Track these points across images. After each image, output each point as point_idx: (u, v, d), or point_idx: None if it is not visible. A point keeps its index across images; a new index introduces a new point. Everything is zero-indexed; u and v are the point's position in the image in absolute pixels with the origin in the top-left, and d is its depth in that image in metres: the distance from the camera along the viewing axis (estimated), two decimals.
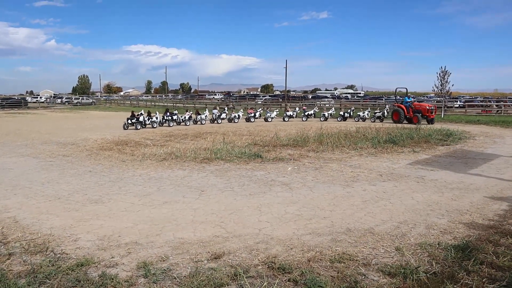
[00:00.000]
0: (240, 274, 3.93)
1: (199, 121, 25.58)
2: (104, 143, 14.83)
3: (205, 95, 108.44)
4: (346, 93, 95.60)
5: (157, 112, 25.47)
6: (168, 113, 25.04)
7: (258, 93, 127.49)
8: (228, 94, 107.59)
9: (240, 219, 5.81)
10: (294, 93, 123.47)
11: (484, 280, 3.83)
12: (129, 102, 69.52)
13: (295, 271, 4.02)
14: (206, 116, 26.56)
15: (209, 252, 4.56)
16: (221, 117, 27.30)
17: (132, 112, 23.57)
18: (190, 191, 7.53)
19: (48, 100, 76.74)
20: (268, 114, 28.43)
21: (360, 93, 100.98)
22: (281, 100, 61.86)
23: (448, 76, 47.22)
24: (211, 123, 26.12)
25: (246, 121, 27.24)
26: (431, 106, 25.43)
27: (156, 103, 64.95)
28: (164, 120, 24.43)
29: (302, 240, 4.94)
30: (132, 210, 6.30)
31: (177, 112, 26.14)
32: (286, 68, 69.11)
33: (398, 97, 29.85)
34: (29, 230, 5.37)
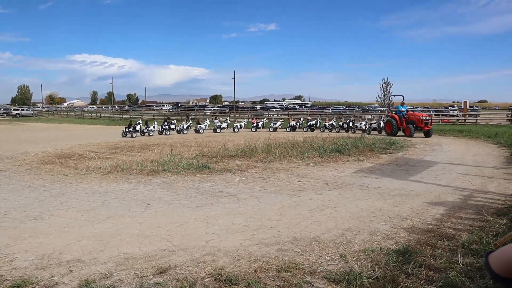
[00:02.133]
0: None
1: (198, 130, 27.10)
2: (46, 156, 14.23)
3: (153, 106, 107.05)
4: (294, 104, 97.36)
5: (155, 122, 28.26)
6: (166, 123, 26.95)
7: (207, 103, 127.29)
8: (176, 104, 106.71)
9: (186, 232, 5.75)
10: (243, 103, 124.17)
11: (422, 282, 4.01)
12: (73, 114, 67.25)
13: (242, 282, 4.03)
14: (206, 125, 28.27)
15: (154, 266, 4.48)
16: (222, 126, 28.48)
17: (130, 121, 26.51)
18: (136, 204, 7.37)
19: None
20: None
21: (307, 104, 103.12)
22: (228, 111, 62.00)
23: (391, 87, 49.14)
24: (214, 132, 27.54)
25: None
26: (425, 116, 22.84)
27: (102, 114, 63.20)
28: (162, 129, 26.17)
29: (249, 251, 4.96)
30: (74, 226, 6.07)
31: (175, 122, 28.35)
32: (234, 79, 69.44)
33: (393, 107, 27.03)
34: None
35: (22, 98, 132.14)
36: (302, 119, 30.96)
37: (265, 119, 32.86)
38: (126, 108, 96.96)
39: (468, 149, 16.39)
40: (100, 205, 7.35)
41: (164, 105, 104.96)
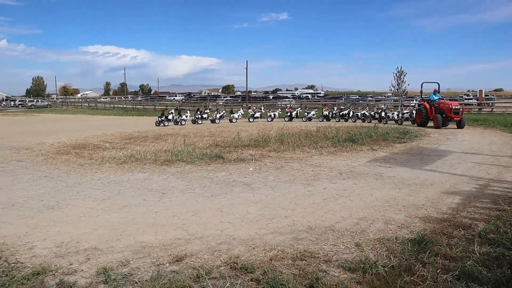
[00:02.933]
0: (202, 276, 3.92)
1: (232, 119, 27.87)
2: (61, 147, 14.41)
3: (166, 96, 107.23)
4: (306, 93, 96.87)
5: (188, 111, 29.34)
6: (199, 112, 28.04)
7: (219, 94, 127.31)
8: (189, 95, 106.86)
9: (202, 221, 5.78)
10: (255, 93, 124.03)
11: (438, 271, 3.98)
12: (87, 104, 67.83)
13: (258, 271, 4.05)
14: (239, 115, 28.99)
15: (170, 255, 4.52)
16: (255, 116, 29.01)
17: (163, 111, 28.44)
18: (150, 194, 7.43)
19: (5, 103, 73.74)
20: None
21: (320, 93, 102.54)
22: (240, 101, 61.97)
23: (404, 76, 48.59)
24: (249, 121, 27.89)
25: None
26: (456, 105, 20.75)
27: (115, 105, 63.65)
28: (195, 118, 27.22)
29: (264, 240, 4.98)
30: (91, 215, 6.15)
31: (208, 111, 29.78)
32: (246, 68, 69.14)
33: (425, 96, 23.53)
34: None
35: (37, 90, 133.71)
36: (335, 108, 29.83)
37: (299, 108, 31.64)
38: (139, 98, 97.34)
39: (484, 138, 16.19)
40: (116, 194, 7.43)
41: (176, 96, 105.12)
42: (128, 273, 4.05)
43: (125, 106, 61.63)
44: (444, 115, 20.38)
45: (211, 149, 12.52)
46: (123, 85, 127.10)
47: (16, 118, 38.68)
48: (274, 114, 29.01)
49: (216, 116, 27.95)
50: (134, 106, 58.28)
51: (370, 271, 3.97)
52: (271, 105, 44.92)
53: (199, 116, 27.56)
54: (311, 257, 4.39)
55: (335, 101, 51.39)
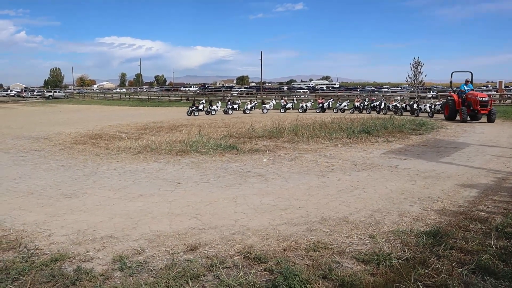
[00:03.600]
0: (216, 265, 3.95)
1: (265, 109, 28.16)
2: (78, 137, 14.59)
3: (180, 87, 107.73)
4: (321, 84, 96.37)
5: (218, 101, 29.68)
6: (229, 103, 28.56)
7: (233, 85, 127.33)
8: (203, 86, 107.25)
9: (216, 211, 5.82)
10: (269, 84, 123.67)
11: (453, 264, 3.95)
12: (103, 95, 68.41)
13: (271, 261, 4.06)
14: (271, 106, 29.22)
15: (185, 244, 4.57)
16: (287, 106, 29.27)
17: (194, 101, 28.72)
18: (165, 183, 7.50)
19: (25, 93, 74.84)
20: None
21: (335, 84, 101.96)
22: (255, 91, 61.88)
23: (421, 66, 48.03)
24: (281, 112, 27.88)
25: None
26: (484, 97, 19.17)
27: (130, 96, 64.08)
28: (226, 109, 27.72)
29: (277, 230, 4.99)
30: (107, 204, 6.24)
31: (239, 102, 30.12)
32: (261, 59, 68.93)
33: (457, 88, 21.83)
34: (1, 226, 5.26)
35: (54, 81, 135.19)
36: (367, 100, 28.80)
37: (332, 99, 30.97)
38: (154, 89, 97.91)
39: (503, 130, 15.94)
40: (131, 184, 7.51)
41: (191, 86, 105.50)
42: (143, 261, 4.11)
43: (140, 97, 62.05)
44: (471, 108, 18.94)
45: (225, 140, 12.55)
46: (139, 76, 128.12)
47: (35, 108, 39.23)
48: (306, 105, 28.84)
49: (247, 106, 28.20)
50: (149, 97, 58.62)
51: (384, 263, 3.96)
52: (286, 95, 44.69)
53: (230, 106, 27.93)
54: (325, 248, 4.39)
55: (350, 92, 51.04)
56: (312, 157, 9.95)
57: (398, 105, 25.39)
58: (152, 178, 7.97)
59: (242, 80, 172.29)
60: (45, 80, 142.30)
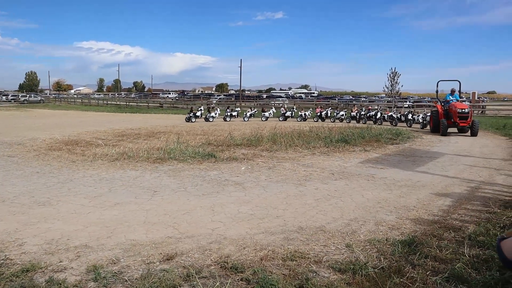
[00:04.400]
0: (192, 275, 3.91)
1: (264, 117, 28.42)
2: (53, 143, 14.32)
3: (159, 94, 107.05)
4: (300, 93, 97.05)
5: (217, 108, 30.50)
6: (228, 109, 29.02)
7: (212, 92, 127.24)
8: (182, 93, 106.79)
9: (193, 220, 5.78)
10: (249, 92, 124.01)
11: (428, 272, 4.01)
12: (80, 101, 67.46)
13: (248, 270, 4.05)
14: (270, 113, 29.39)
15: (161, 253, 4.51)
16: (286, 114, 29.35)
17: (191, 108, 29.20)
18: (142, 191, 7.41)
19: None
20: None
21: (314, 93, 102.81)
22: (234, 99, 61.93)
23: (398, 77, 48.92)
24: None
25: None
26: (463, 108, 17.96)
27: (108, 102, 63.35)
28: (225, 116, 28.26)
29: (255, 240, 4.98)
30: (82, 212, 6.12)
31: (238, 109, 30.40)
32: (241, 67, 69.11)
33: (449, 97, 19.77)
34: None
35: (30, 85, 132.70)
36: (363, 109, 28.09)
37: (330, 108, 30.65)
38: (133, 95, 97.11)
39: (476, 140, 16.30)
40: (107, 192, 7.40)
41: (170, 93, 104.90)
42: (118, 271, 4.04)
43: (118, 102, 61.40)
44: (452, 120, 18.11)
45: (203, 148, 12.50)
46: (117, 81, 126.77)
47: (9, 113, 38.37)
48: (305, 114, 29.08)
49: (246, 114, 28.56)
50: (128, 103, 58.07)
51: (360, 272, 3.99)
52: (264, 104, 44.85)
53: (229, 113, 28.39)
54: (302, 258, 4.40)
55: (329, 101, 51.54)
56: (290, 166, 9.98)
57: (393, 115, 25.08)
58: (128, 186, 7.87)
59: (221, 87, 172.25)
60: (20, 84, 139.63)
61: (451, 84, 20.36)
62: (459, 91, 19.52)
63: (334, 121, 27.05)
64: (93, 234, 5.13)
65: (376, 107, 29.76)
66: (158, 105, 54.72)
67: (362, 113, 27.13)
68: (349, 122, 26.29)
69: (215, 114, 28.15)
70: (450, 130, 18.62)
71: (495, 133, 19.13)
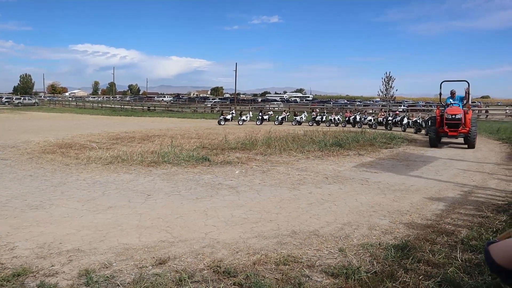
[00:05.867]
0: (185, 279, 3.90)
1: (298, 121, 28.59)
2: (47, 146, 14.24)
3: (154, 97, 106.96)
4: (295, 97, 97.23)
5: (249, 112, 32.60)
6: (260, 113, 30.24)
7: (208, 95, 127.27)
8: (177, 96, 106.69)
9: (186, 224, 5.77)
10: (244, 96, 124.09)
11: (420, 277, 4.02)
12: (75, 103, 67.25)
13: (240, 275, 4.04)
14: (301, 118, 29.48)
15: (154, 257, 4.50)
16: (316, 119, 28.87)
17: (222, 111, 32.14)
18: (136, 195, 7.39)
19: None
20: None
21: (309, 97, 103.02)
22: (229, 103, 61.97)
23: (393, 81, 49.13)
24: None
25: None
26: (455, 113, 15.10)
27: (103, 105, 63.19)
28: (257, 119, 29.33)
29: (248, 244, 4.98)
30: (75, 215, 6.09)
31: (271, 113, 31.55)
32: (236, 71, 69.03)
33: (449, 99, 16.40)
34: None
35: (24, 87, 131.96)
36: (391, 114, 26.62)
37: (359, 113, 28.58)
38: (127, 98, 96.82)
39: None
40: (101, 195, 7.37)
41: (165, 97, 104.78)
42: (110, 275, 4.02)
43: (113, 106, 61.24)
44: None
45: (197, 151, 12.48)
46: (112, 84, 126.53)
47: (3, 115, 38.13)
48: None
49: (278, 118, 29.33)
50: (122, 106, 57.92)
51: (353, 277, 3.99)
52: (259, 107, 44.89)
53: (260, 117, 29.33)
54: (295, 262, 4.40)
55: (323, 105, 51.64)
56: (284, 170, 9.99)
57: (418, 120, 23.32)
58: (122, 189, 7.84)
59: (216, 91, 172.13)
60: (14, 86, 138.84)
61: (460, 86, 17.50)
62: (468, 93, 16.11)
63: (329, 125, 26.90)
64: (86, 238, 5.11)
65: (403, 113, 28.18)
66: (146, 108, 54.53)
67: (390, 118, 25.39)
68: (345, 126, 26.19)
69: (246, 117, 29.31)
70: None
71: (488, 137, 19.23)
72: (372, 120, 26.11)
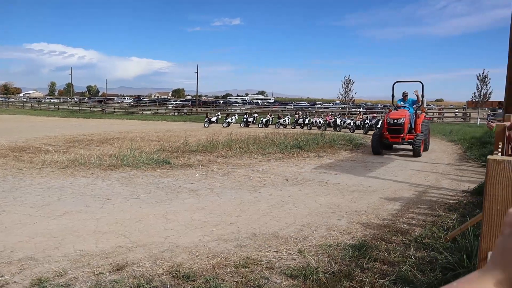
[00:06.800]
0: (143, 285, 3.85)
1: (282, 124, 28.44)
2: None
3: (114, 98, 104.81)
4: (257, 99, 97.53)
5: (235, 115, 33.15)
6: (245, 116, 30.60)
7: (169, 97, 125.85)
8: (138, 98, 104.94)
9: (145, 228, 5.68)
10: (205, 98, 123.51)
11: (376, 276, 4.13)
12: (30, 105, 64.93)
13: (200, 279, 4.03)
14: (285, 120, 29.28)
15: (111, 263, 4.41)
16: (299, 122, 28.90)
17: (207, 114, 32.75)
18: (93, 200, 7.21)
19: None
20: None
21: (270, 99, 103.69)
22: (190, 105, 61.57)
23: (352, 84, 50.05)
24: (293, 128, 27.25)
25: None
26: (397, 118, 13.63)
27: (60, 106, 61.35)
28: (242, 121, 29.65)
29: (207, 247, 4.96)
30: (28, 222, 5.88)
31: (256, 115, 32.04)
32: (197, 72, 68.60)
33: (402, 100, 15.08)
34: None
35: None
36: (368, 117, 26.53)
37: (339, 116, 28.49)
38: (86, 100, 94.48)
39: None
40: (56, 200, 7.15)
41: (125, 98, 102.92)
42: (65, 284, 3.91)
43: (70, 107, 59.54)
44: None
45: (158, 154, 12.32)
46: (69, 85, 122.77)
47: None
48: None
49: (262, 121, 29.26)
50: (81, 108, 56.40)
51: (311, 278, 4.05)
52: (221, 109, 44.84)
53: (245, 119, 29.72)
54: (254, 264, 4.42)
55: (285, 107, 52.15)
56: (245, 172, 10.02)
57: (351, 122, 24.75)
58: (79, 194, 7.64)
59: (178, 93, 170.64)
60: None
61: (414, 87, 17.90)
62: (422, 96, 14.81)
63: (310, 128, 26.42)
64: (39, 246, 4.94)
65: (377, 116, 28.00)
66: (112, 110, 53.45)
67: (367, 121, 25.12)
68: (325, 129, 25.20)
69: (231, 120, 29.31)
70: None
71: (442, 139, 19.95)
72: (352, 124, 25.70)
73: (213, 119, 29.52)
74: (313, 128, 26.70)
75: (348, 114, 32.19)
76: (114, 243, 5.08)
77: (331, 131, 23.60)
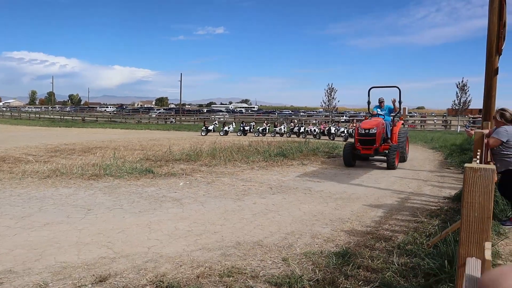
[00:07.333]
0: None
1: (278, 133, 28.66)
2: None
3: (96, 107, 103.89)
4: (240, 107, 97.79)
5: (233, 123, 34.13)
6: (242, 125, 30.65)
7: (152, 106, 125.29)
8: (121, 106, 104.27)
9: (128, 238, 5.62)
10: (189, 106, 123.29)
11: (360, 283, 4.15)
12: (10, 114, 63.93)
13: None
14: (281, 129, 29.51)
15: (93, 275, 4.35)
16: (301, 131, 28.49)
17: (204, 122, 33.32)
18: (75, 210, 7.11)
19: None
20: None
21: (254, 108, 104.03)
22: (174, 113, 61.34)
23: (335, 92, 50.60)
24: (288, 137, 26.45)
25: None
26: (368, 128, 12.47)
27: (41, 115, 60.52)
28: (239, 130, 29.91)
29: (192, 257, 4.93)
30: (7, 234, 5.77)
31: (253, 124, 31.80)
32: (181, 81, 68.50)
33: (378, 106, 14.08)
34: None
35: None
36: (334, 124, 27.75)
37: (334, 124, 28.75)
38: (68, 109, 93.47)
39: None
40: (37, 211, 7.03)
41: (108, 107, 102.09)
42: None
43: (52, 116, 58.81)
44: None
45: (141, 163, 12.23)
46: (51, 94, 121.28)
47: None
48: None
49: (258, 129, 29.56)
50: (62, 117, 55.75)
51: (296, 286, 4.06)
52: (205, 118, 44.75)
53: (242, 128, 30.06)
54: (239, 273, 4.41)
55: (268, 115, 52.30)
56: (229, 181, 10.00)
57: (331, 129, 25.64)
58: (60, 204, 7.53)
59: (161, 101, 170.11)
60: None
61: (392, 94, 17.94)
62: (399, 101, 13.85)
63: (305, 137, 25.59)
64: (19, 258, 4.85)
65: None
66: (95, 119, 52.95)
67: (333, 129, 26.23)
68: (319, 138, 25.64)
69: (228, 128, 30.03)
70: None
71: (423, 146, 20.22)
72: (345, 132, 25.84)
73: (211, 127, 30.19)
74: (308, 136, 26.47)
75: (331, 122, 32.33)
76: (96, 254, 5.01)
77: (326, 139, 23.85)
